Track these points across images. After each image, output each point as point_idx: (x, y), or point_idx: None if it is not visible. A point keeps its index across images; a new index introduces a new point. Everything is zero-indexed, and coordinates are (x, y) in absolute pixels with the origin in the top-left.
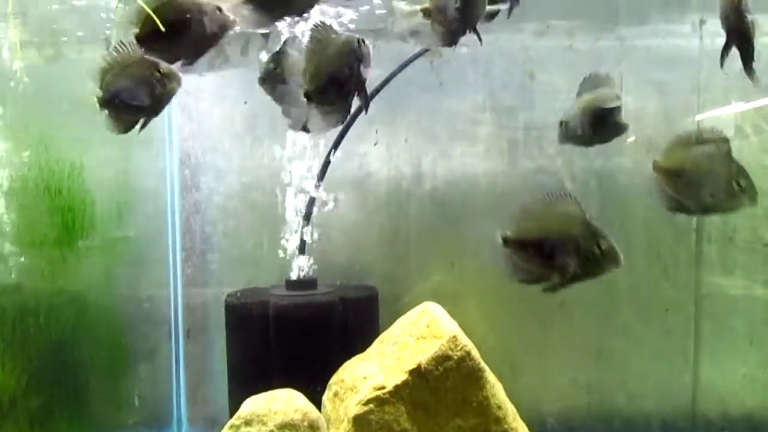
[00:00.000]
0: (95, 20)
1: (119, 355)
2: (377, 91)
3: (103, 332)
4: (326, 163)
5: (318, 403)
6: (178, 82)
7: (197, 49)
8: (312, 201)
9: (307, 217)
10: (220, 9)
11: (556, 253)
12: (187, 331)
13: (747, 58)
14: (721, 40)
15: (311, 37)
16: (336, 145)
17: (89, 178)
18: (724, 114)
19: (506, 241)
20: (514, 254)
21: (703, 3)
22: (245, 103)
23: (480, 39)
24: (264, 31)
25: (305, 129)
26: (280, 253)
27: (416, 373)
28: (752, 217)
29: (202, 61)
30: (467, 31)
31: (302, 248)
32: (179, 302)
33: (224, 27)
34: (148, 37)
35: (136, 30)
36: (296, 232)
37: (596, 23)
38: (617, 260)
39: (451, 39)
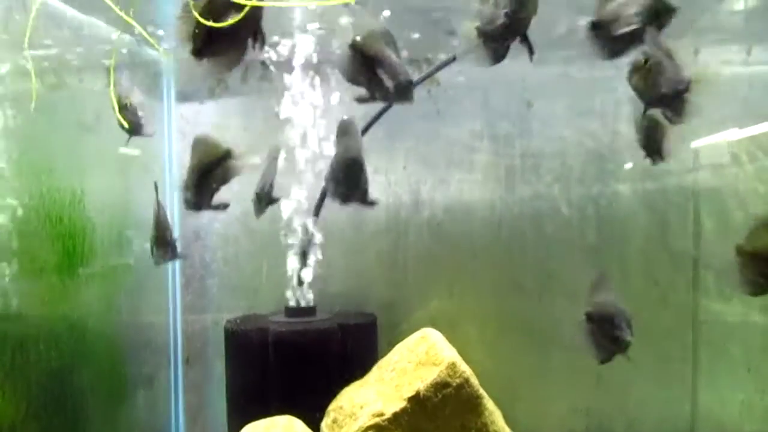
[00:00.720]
0: (97, 48)
1: (119, 382)
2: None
3: (102, 359)
4: (322, 198)
5: (317, 430)
6: None
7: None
8: (310, 240)
9: (304, 255)
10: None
11: None
12: (187, 358)
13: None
14: (715, 69)
15: None
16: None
17: (90, 206)
18: (719, 141)
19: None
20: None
21: (697, 33)
22: (245, 130)
23: (532, 51)
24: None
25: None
26: (280, 281)
27: (415, 399)
28: None
29: (203, 87)
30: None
31: (300, 282)
32: (178, 329)
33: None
34: (202, 48)
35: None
36: (294, 269)
37: (593, 52)
38: None
39: (498, 55)
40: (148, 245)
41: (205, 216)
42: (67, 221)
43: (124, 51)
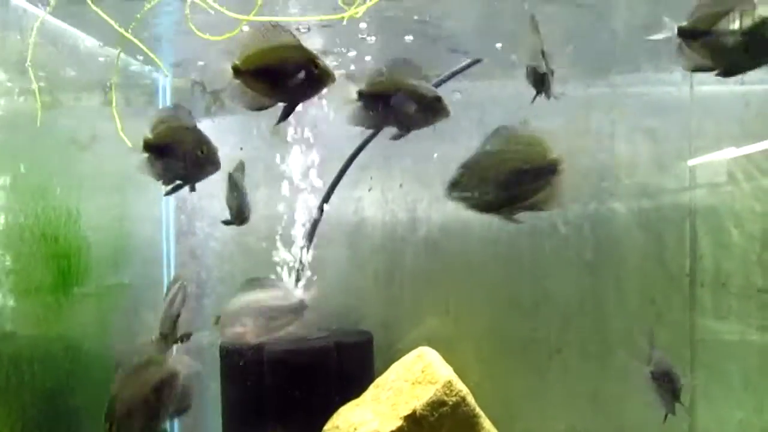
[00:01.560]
0: (93, 67)
1: None
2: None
3: (97, 379)
4: (315, 223)
5: None
6: None
7: (295, 96)
8: (302, 267)
9: (298, 280)
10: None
11: None
12: None
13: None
14: (710, 88)
15: None
16: (327, 198)
17: (85, 225)
18: (716, 160)
19: None
20: None
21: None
22: (241, 149)
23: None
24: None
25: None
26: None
27: (411, 419)
28: (745, 262)
29: (199, 105)
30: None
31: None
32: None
33: (325, 80)
34: (247, 72)
35: (236, 60)
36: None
37: (588, 70)
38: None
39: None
40: (143, 267)
41: (201, 235)
42: (62, 240)
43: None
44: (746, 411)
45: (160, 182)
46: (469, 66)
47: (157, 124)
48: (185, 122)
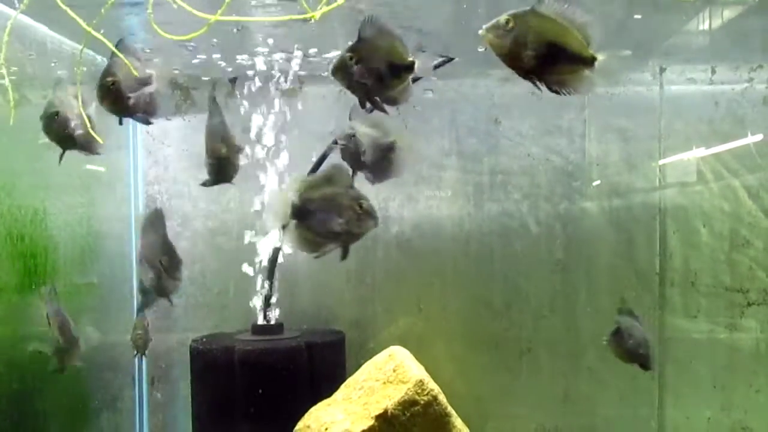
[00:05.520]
0: (61, 64)
1: (81, 404)
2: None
3: (64, 380)
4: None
5: None
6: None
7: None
8: (272, 271)
9: (270, 276)
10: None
11: None
12: (151, 378)
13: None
14: (680, 88)
15: None
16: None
17: (52, 225)
18: (685, 160)
19: None
20: None
21: (663, 51)
22: None
23: None
24: (232, 77)
25: None
26: (246, 299)
27: (383, 418)
28: (713, 261)
29: (169, 104)
30: None
31: (267, 304)
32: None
33: (366, 227)
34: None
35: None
36: (260, 289)
37: None
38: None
39: None
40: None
41: (171, 234)
42: (29, 240)
43: (84, 67)
44: (715, 409)
45: None
46: (441, 65)
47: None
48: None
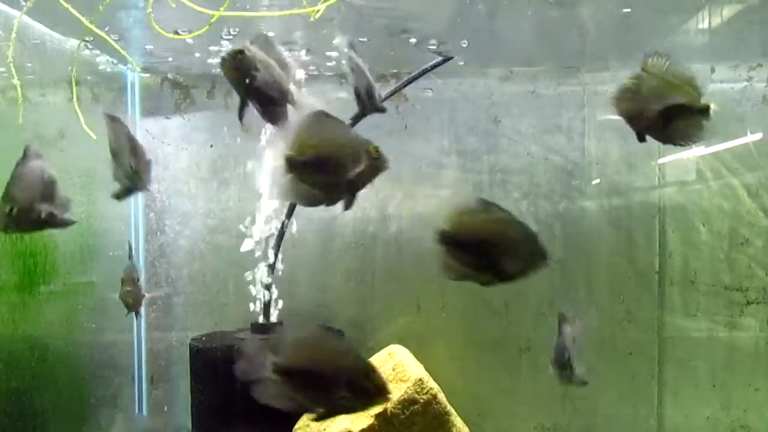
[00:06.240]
0: (60, 63)
1: (81, 403)
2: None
3: (64, 379)
4: (281, 234)
5: None
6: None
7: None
8: (272, 269)
9: (269, 288)
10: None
11: None
12: (151, 377)
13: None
14: None
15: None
16: (289, 215)
17: None
18: (685, 158)
19: None
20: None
21: (662, 51)
22: (211, 146)
23: None
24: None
25: None
26: (246, 298)
27: (382, 417)
28: (713, 260)
29: (169, 102)
30: None
31: (266, 312)
32: (143, 347)
33: (377, 169)
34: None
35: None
36: (259, 296)
37: (559, 69)
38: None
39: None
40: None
41: (170, 232)
42: (28, 239)
43: (87, 64)
44: (714, 408)
45: None
46: (440, 64)
47: None
48: None
